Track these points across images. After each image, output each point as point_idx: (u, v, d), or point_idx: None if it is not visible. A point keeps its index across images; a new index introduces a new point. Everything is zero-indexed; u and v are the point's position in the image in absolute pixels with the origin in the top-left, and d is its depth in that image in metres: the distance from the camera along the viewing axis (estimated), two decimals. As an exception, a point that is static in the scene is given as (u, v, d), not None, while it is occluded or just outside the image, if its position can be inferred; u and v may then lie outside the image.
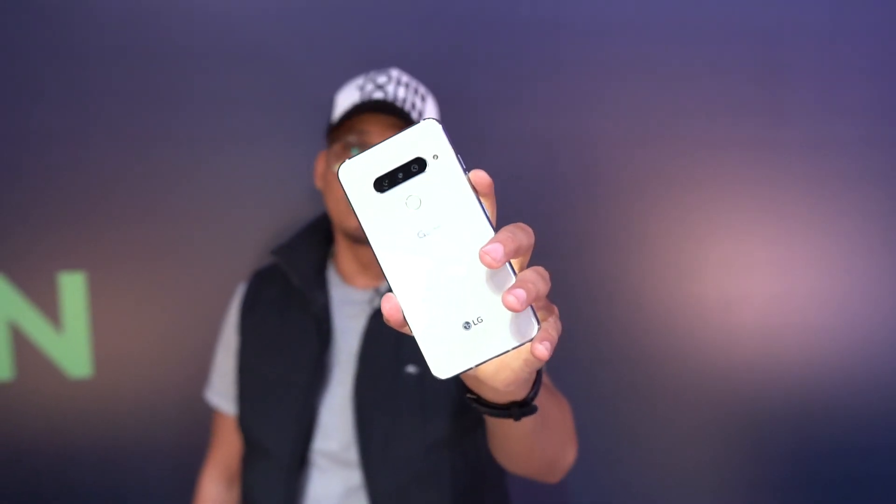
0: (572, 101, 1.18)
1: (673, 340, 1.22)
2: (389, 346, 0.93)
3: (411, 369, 0.91)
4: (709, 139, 1.20)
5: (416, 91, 0.96)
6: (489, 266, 0.37)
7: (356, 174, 0.42)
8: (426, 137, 0.41)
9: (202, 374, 1.16)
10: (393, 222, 0.41)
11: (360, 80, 0.96)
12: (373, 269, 0.99)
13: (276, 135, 1.16)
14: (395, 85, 0.94)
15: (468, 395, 0.55)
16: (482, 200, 0.42)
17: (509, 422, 0.57)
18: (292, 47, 1.14)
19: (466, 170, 0.42)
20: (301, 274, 0.97)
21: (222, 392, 1.05)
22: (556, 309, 0.44)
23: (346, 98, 0.95)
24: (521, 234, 0.40)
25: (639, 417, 1.22)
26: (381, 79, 0.95)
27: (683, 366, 1.22)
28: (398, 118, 0.91)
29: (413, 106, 0.93)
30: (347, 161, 0.42)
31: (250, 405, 0.96)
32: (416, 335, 0.41)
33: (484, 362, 0.40)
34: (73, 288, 1.12)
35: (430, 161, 0.41)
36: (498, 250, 0.37)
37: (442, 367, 0.41)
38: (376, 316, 0.94)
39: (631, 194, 1.20)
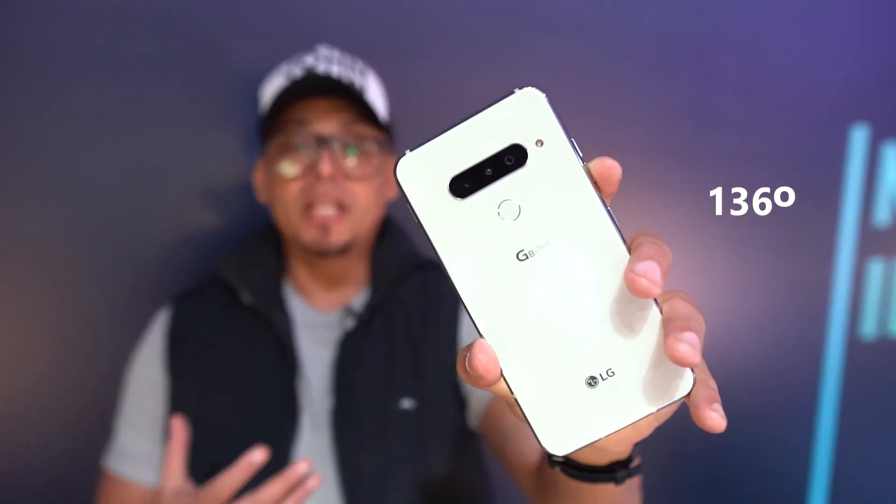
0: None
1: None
2: (372, 376, 0.78)
3: (407, 404, 0.76)
4: (636, 145, 1.11)
5: (352, 67, 0.81)
6: (644, 294, 0.26)
7: (422, 172, 0.29)
8: (524, 115, 0.28)
9: (46, 433, 0.94)
10: (480, 239, 0.29)
11: (284, 66, 0.81)
12: (340, 286, 0.85)
13: (191, 115, 0.97)
14: (327, 62, 0.79)
15: (552, 457, 0.41)
16: (605, 201, 0.29)
17: (605, 487, 0.42)
18: (220, 13, 0.97)
19: (584, 159, 0.28)
20: (256, 289, 0.81)
21: (138, 454, 0.82)
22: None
23: (273, 87, 0.80)
24: (665, 247, 0.28)
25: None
26: (309, 59, 0.80)
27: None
28: (342, 97, 0.76)
29: (353, 82, 0.77)
30: (408, 154, 0.29)
31: (198, 467, 0.77)
32: (518, 397, 0.28)
33: (617, 431, 0.28)
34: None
35: (531, 150, 0.28)
36: (655, 271, 0.26)
37: (558, 441, 0.29)
38: (348, 341, 0.80)
39: None
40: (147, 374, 0.84)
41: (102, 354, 0.96)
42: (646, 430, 0.34)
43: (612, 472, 0.41)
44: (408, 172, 0.29)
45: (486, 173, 0.29)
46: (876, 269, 1.14)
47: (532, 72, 1.06)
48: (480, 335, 0.30)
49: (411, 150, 0.30)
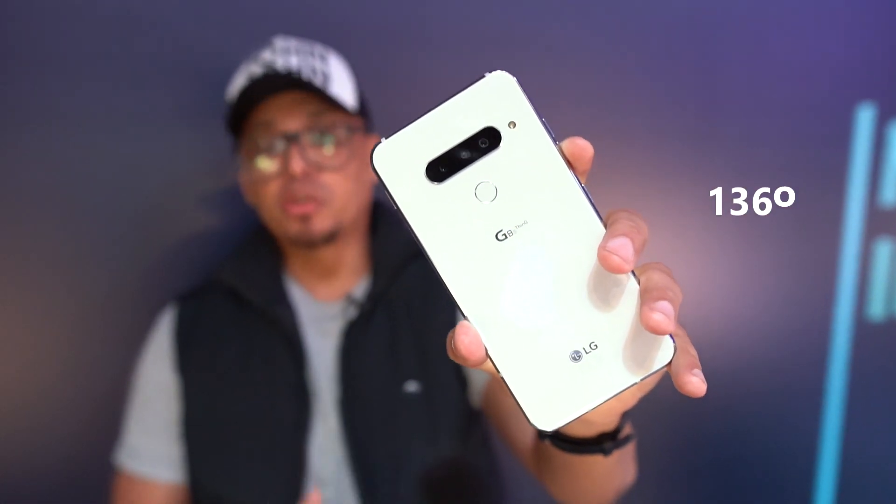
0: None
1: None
2: (376, 362, 0.78)
3: (412, 387, 0.77)
4: (643, 131, 1.10)
5: (311, 53, 0.79)
6: (617, 270, 0.27)
7: (398, 159, 0.29)
8: (496, 98, 0.29)
9: (49, 438, 0.95)
10: (459, 222, 0.29)
11: (244, 66, 0.81)
12: (338, 275, 0.85)
13: (190, 118, 0.97)
14: (285, 55, 0.78)
15: (543, 433, 0.43)
16: (580, 179, 0.29)
17: (594, 458, 0.44)
18: (219, 16, 0.97)
19: (556, 138, 0.29)
20: (259, 288, 0.82)
21: (152, 454, 0.83)
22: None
23: (235, 89, 0.79)
24: (641, 223, 0.29)
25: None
26: (266, 54, 0.79)
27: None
28: (304, 90, 0.75)
29: (313, 70, 0.76)
30: (383, 142, 0.29)
31: (217, 463, 0.78)
32: (504, 376, 0.29)
33: (603, 403, 0.29)
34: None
35: (504, 131, 0.29)
36: (627, 248, 0.27)
37: (546, 416, 0.29)
38: (351, 330, 0.81)
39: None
40: (156, 373, 0.85)
41: (109, 355, 0.97)
42: (630, 402, 0.35)
43: (600, 443, 0.42)
44: (384, 161, 0.30)
45: (462, 156, 0.30)
46: (883, 250, 1.13)
47: (534, 58, 1.06)
48: (464, 317, 0.30)
49: (386, 139, 0.30)
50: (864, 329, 1.14)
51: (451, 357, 0.30)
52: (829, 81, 1.10)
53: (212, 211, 1.01)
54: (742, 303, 1.14)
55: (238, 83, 0.80)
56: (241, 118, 0.78)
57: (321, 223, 0.78)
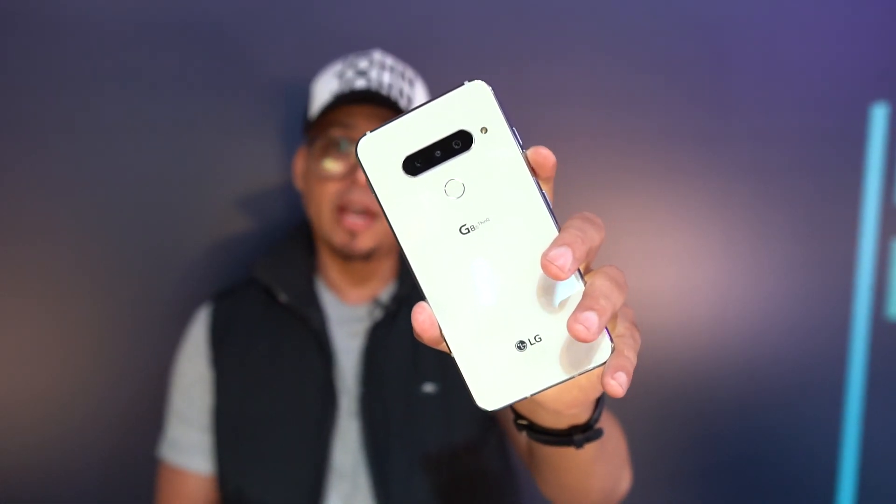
0: (527, 91, 1.07)
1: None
2: (397, 364, 0.81)
3: (430, 388, 0.79)
4: (655, 130, 1.11)
5: (402, 75, 0.84)
6: (555, 278, 0.29)
7: (380, 151, 0.32)
8: (471, 105, 0.31)
9: (92, 434, 0.99)
10: (428, 213, 0.32)
11: (338, 67, 0.84)
12: (369, 283, 0.87)
13: (226, 122, 1.01)
14: (379, 70, 0.82)
15: (518, 422, 0.45)
16: (542, 186, 0.32)
17: (567, 451, 0.45)
18: (251, 23, 1.01)
19: (524, 147, 0.32)
20: (291, 288, 0.85)
21: (189, 445, 0.87)
22: (631, 313, 0.34)
23: (325, 88, 0.83)
24: (591, 231, 0.30)
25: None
26: (363, 63, 0.83)
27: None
28: (386, 108, 0.79)
29: (401, 92, 0.81)
30: (368, 134, 0.32)
31: (242, 456, 0.82)
32: (455, 355, 0.32)
33: (541, 391, 0.31)
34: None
35: (476, 136, 0.32)
36: (566, 257, 0.29)
37: (488, 396, 0.32)
38: (376, 331, 0.82)
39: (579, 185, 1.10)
40: (192, 368, 0.88)
41: (148, 351, 1.02)
42: (591, 393, 0.37)
43: (570, 435, 0.44)
44: (367, 151, 0.33)
45: (436, 154, 0.32)
46: (901, 249, 1.14)
47: (546, 59, 1.07)
48: (424, 299, 0.33)
49: (371, 132, 0.33)
50: (882, 328, 1.15)
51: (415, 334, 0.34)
52: (844, 81, 1.11)
53: (249, 214, 1.03)
54: (759, 303, 1.14)
55: (330, 84, 0.83)
56: (323, 114, 0.81)
57: (365, 242, 0.82)
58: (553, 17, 1.07)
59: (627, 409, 1.14)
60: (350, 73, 0.82)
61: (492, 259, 0.32)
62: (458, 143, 0.32)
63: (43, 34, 0.96)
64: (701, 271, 1.13)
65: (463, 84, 0.32)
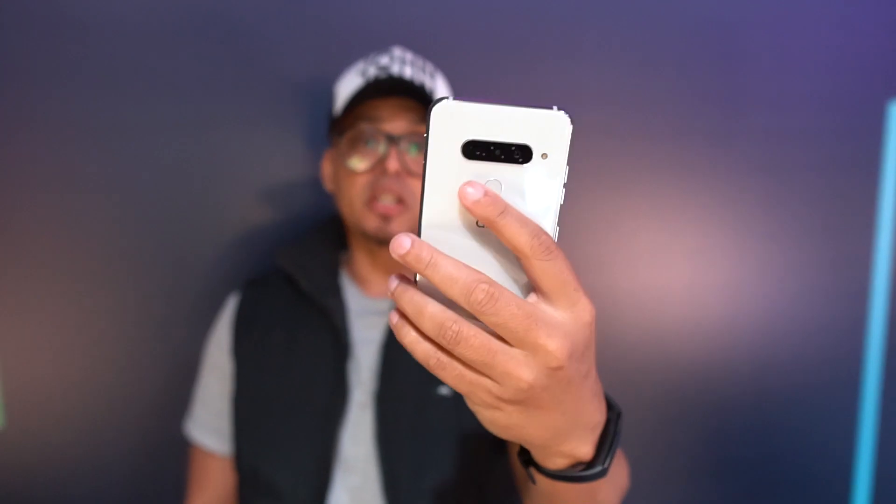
0: (540, 90, 1.08)
1: (624, 327, 1.13)
2: (414, 362, 0.82)
3: (445, 391, 0.80)
4: (670, 128, 1.11)
5: (423, 69, 0.86)
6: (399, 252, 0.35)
7: (450, 121, 0.34)
8: (548, 129, 0.34)
9: (124, 423, 1.03)
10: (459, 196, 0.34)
11: (360, 65, 0.87)
12: (392, 274, 0.89)
13: (248, 122, 1.04)
14: (401, 64, 0.84)
15: (528, 467, 0.46)
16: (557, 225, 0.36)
17: (573, 486, 0.46)
18: (275, 25, 1.03)
19: (566, 184, 0.34)
20: (313, 278, 0.87)
21: (208, 426, 0.91)
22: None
23: (349, 85, 0.85)
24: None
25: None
26: (384, 59, 0.85)
27: (627, 355, 1.12)
28: (412, 99, 0.81)
29: (423, 85, 0.83)
30: (448, 100, 0.34)
31: (256, 439, 0.84)
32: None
33: None
34: None
35: (536, 156, 0.34)
36: (403, 245, 0.35)
37: None
38: (397, 326, 0.84)
39: (588, 181, 1.10)
40: (215, 355, 0.92)
41: (181, 338, 1.05)
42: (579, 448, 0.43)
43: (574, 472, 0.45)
44: (439, 115, 0.34)
45: (496, 153, 0.35)
46: (918, 246, 1.13)
47: (562, 58, 1.08)
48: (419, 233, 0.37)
49: (454, 99, 0.36)
50: (898, 325, 1.14)
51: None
52: (860, 77, 1.11)
53: (278, 206, 1.05)
54: (774, 301, 1.15)
55: (353, 81, 0.85)
56: (348, 111, 0.83)
57: (399, 225, 0.83)
58: (566, 17, 1.08)
59: (643, 407, 1.14)
60: (372, 70, 0.84)
61: (491, 254, 0.36)
62: (518, 154, 0.34)
63: (77, 35, 0.98)
64: (715, 269, 1.13)
65: (552, 108, 0.35)
